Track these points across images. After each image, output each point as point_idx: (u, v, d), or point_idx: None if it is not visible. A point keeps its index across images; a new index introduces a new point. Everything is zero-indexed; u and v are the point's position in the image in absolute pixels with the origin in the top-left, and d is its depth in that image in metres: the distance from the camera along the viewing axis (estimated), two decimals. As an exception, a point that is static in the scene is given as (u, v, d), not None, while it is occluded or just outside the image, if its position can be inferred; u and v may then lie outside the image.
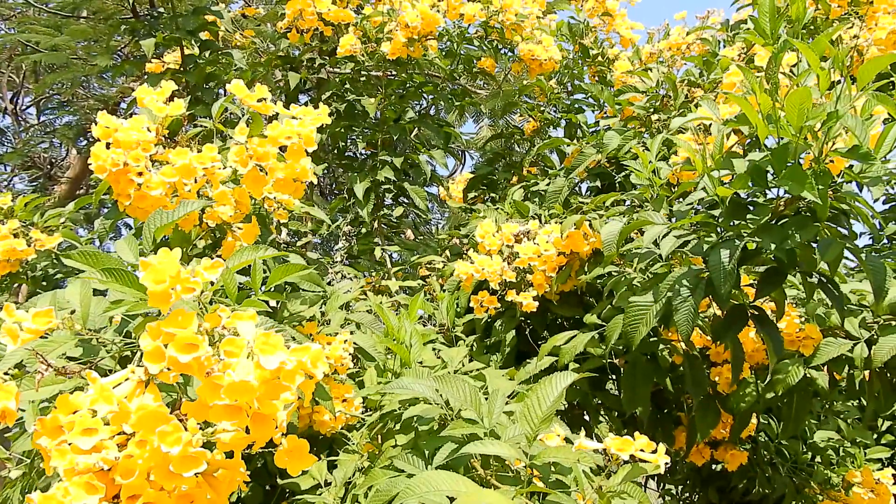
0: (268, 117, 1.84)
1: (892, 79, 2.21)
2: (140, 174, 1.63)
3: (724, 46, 3.82)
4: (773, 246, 1.82)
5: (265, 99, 1.81)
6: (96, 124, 1.65)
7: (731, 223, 1.99)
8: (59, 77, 6.29)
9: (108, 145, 1.65)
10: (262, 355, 1.05)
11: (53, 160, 8.69)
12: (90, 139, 7.92)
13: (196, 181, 1.70)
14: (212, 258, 1.67)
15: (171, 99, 1.81)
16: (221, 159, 1.75)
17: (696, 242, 2.06)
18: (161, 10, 3.66)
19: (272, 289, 1.70)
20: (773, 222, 1.93)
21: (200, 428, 1.05)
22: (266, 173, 1.80)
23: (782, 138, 1.76)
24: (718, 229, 2.05)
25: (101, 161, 1.61)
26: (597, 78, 4.70)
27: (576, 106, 4.60)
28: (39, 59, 6.04)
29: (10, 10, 6.89)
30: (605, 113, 4.42)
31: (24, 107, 9.32)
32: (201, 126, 1.90)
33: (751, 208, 1.95)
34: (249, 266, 1.64)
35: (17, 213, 2.50)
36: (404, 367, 2.07)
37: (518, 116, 5.47)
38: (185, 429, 1.03)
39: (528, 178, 4.19)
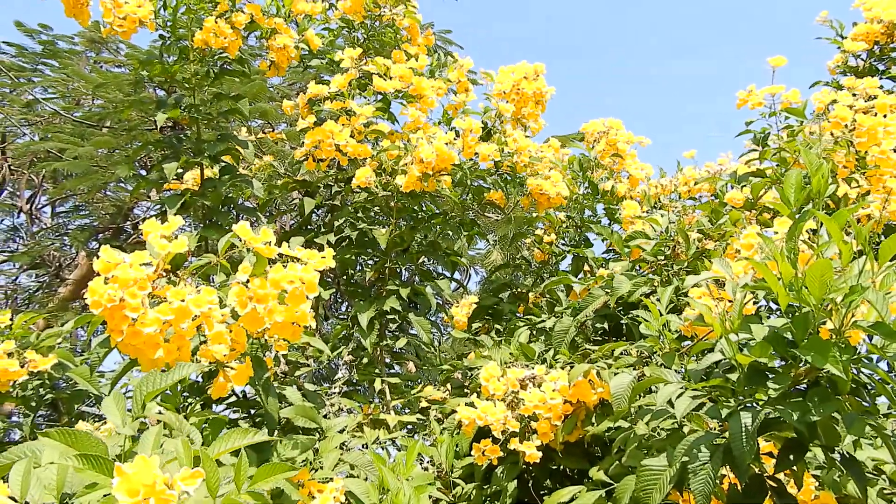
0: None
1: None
2: (135, 309, 1.58)
3: (731, 188, 3.87)
4: (794, 418, 1.73)
5: (269, 242, 1.79)
6: (98, 258, 1.62)
7: (749, 387, 1.92)
8: (78, 184, 6.44)
9: (105, 279, 1.62)
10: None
11: (62, 260, 8.73)
12: (100, 240, 7.98)
13: (193, 319, 1.64)
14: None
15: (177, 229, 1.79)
16: (220, 298, 1.70)
17: (712, 406, 1.97)
18: (187, 132, 3.73)
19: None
20: (793, 391, 1.85)
21: None
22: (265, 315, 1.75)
23: (803, 306, 1.71)
24: (735, 395, 1.97)
25: (97, 297, 1.57)
26: (605, 217, 4.76)
27: (584, 240, 4.63)
28: (61, 167, 6.19)
29: (37, 117, 7.14)
30: (613, 248, 4.43)
31: (39, 206, 9.49)
32: (207, 258, 1.86)
33: (769, 375, 1.87)
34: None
35: (14, 331, 2.44)
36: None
37: (526, 250, 5.49)
38: None
39: (533, 311, 4.13)
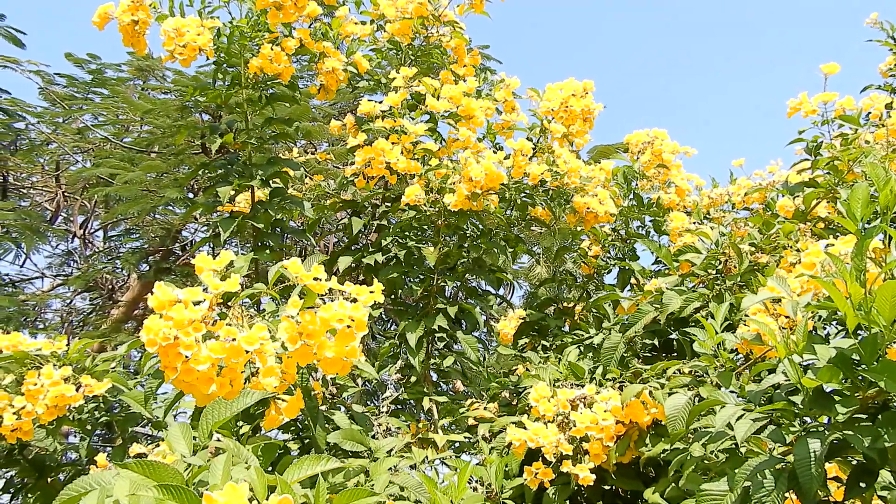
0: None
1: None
2: (189, 347, 1.60)
3: (782, 197, 3.76)
4: (865, 444, 1.66)
5: (320, 278, 1.78)
6: (152, 294, 1.64)
7: (813, 408, 1.85)
8: (128, 208, 6.60)
9: (160, 316, 1.64)
10: None
11: (115, 283, 8.95)
12: (150, 263, 8.16)
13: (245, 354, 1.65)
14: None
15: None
16: (271, 331, 1.71)
17: (775, 429, 1.90)
18: (238, 153, 3.78)
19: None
20: (863, 415, 1.77)
21: None
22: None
23: (871, 327, 1.64)
24: (799, 417, 1.90)
25: (152, 335, 1.59)
26: (652, 228, 4.68)
27: (630, 251, 4.55)
28: (112, 191, 6.36)
29: (89, 144, 7.35)
30: (661, 261, 4.34)
31: (92, 230, 9.76)
32: (257, 288, 1.87)
33: (836, 398, 1.80)
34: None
35: (70, 356, 2.50)
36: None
37: (571, 263, 5.42)
38: None
39: (580, 325, 4.07)
